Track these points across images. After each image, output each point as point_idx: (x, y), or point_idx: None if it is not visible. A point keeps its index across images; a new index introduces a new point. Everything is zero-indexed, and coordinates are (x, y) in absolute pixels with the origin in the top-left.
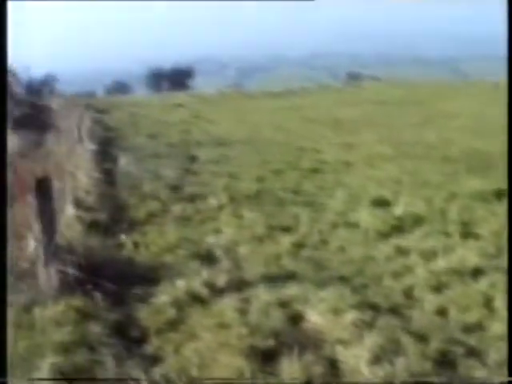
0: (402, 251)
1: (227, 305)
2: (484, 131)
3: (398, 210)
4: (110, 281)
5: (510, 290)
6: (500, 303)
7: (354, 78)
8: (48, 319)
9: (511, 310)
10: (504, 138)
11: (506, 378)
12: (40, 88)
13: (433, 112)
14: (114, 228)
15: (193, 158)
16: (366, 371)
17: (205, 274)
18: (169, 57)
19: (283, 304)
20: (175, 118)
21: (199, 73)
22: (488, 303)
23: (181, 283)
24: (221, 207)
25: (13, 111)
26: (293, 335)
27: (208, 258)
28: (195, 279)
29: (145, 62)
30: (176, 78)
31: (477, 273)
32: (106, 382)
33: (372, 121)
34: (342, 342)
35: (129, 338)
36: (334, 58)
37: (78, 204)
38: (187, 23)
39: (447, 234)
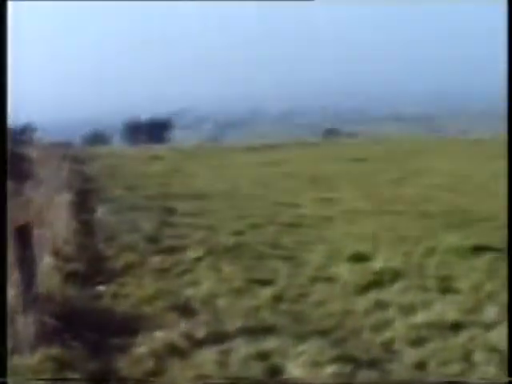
0: (381, 305)
1: (206, 357)
2: (461, 188)
3: (377, 264)
4: (89, 331)
5: (510, 290)
6: (479, 357)
7: (332, 134)
8: (26, 368)
9: (511, 310)
10: (483, 195)
11: (506, 378)
12: (19, 137)
13: (410, 169)
14: (92, 279)
15: (171, 211)
16: None
17: (183, 325)
18: (147, 109)
19: (262, 357)
20: (153, 171)
21: (177, 126)
22: (467, 357)
23: (159, 334)
24: (199, 260)
25: None
26: None
27: (186, 310)
28: (174, 331)
29: (122, 114)
30: (153, 131)
31: (456, 327)
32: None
33: (350, 177)
34: None
35: None
36: (313, 114)
37: (57, 254)
38: (166, 76)
39: (426, 289)
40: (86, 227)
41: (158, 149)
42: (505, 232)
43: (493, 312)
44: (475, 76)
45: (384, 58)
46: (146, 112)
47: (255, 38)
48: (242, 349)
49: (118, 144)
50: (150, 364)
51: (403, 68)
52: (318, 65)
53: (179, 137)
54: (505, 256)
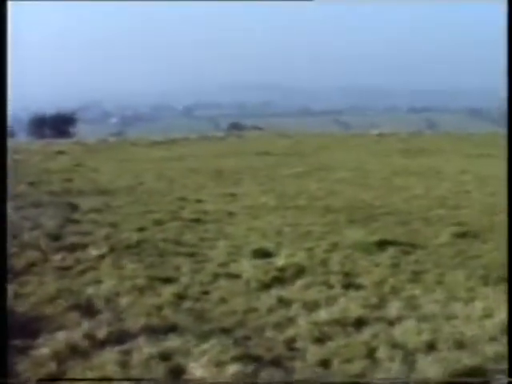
0: (284, 302)
1: (108, 357)
2: (365, 182)
3: (280, 260)
4: None
5: (509, 290)
6: (383, 354)
7: (236, 128)
8: None
9: (511, 309)
10: (386, 189)
11: (506, 378)
12: None
13: (315, 163)
14: None
15: (74, 207)
16: None
17: (85, 325)
18: (52, 103)
19: (165, 356)
20: (57, 166)
21: (82, 120)
22: (371, 354)
23: (61, 335)
24: (101, 257)
25: None
26: None
27: (88, 310)
28: (75, 331)
29: (27, 108)
30: (58, 125)
31: (359, 323)
32: (107, 382)
33: (254, 171)
34: None
35: None
36: (217, 109)
37: None
38: (71, 70)
39: (329, 285)
40: None
41: (62, 143)
42: (408, 227)
43: (396, 308)
44: (383, 72)
45: (292, 53)
46: (51, 106)
47: (158, 31)
48: (144, 348)
49: (22, 139)
50: (51, 366)
51: (312, 63)
52: (224, 58)
53: (84, 131)
54: (408, 250)
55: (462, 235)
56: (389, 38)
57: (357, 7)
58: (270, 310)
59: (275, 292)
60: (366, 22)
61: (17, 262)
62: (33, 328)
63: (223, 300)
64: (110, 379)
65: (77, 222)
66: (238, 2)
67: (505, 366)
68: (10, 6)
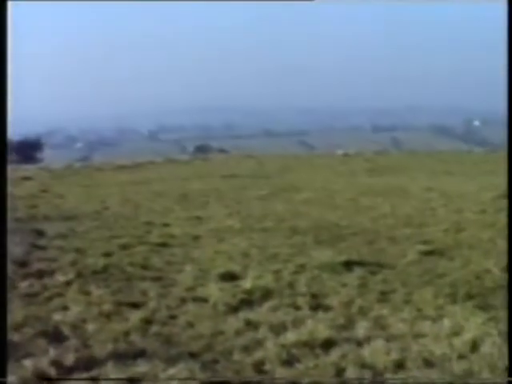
0: (251, 325)
1: None
2: (331, 203)
3: (247, 283)
4: None
5: (509, 290)
6: (352, 374)
7: (201, 150)
8: None
9: (511, 309)
10: (351, 209)
11: (506, 378)
12: None
13: (280, 185)
14: None
15: (40, 233)
16: None
17: (52, 352)
18: (17, 129)
19: (132, 382)
20: (23, 192)
21: (48, 146)
22: (340, 375)
23: (28, 363)
24: (68, 283)
25: None
26: None
27: (55, 337)
28: (43, 358)
29: None
30: (24, 151)
31: (328, 344)
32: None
33: (220, 194)
34: None
35: None
36: (182, 131)
37: None
38: (35, 96)
39: (296, 307)
40: None
41: (27, 169)
42: (374, 246)
43: (364, 328)
44: (348, 91)
45: (254, 72)
46: (16, 132)
47: (120, 54)
48: (111, 374)
49: None
50: None
51: (274, 83)
52: (186, 81)
53: (50, 157)
54: (376, 270)
55: (429, 253)
56: (350, 54)
57: (315, 22)
58: (238, 333)
59: (243, 315)
60: (326, 39)
61: None
62: None
63: (191, 324)
64: (110, 379)
65: (43, 248)
66: (196, 25)
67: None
68: (9, 5)
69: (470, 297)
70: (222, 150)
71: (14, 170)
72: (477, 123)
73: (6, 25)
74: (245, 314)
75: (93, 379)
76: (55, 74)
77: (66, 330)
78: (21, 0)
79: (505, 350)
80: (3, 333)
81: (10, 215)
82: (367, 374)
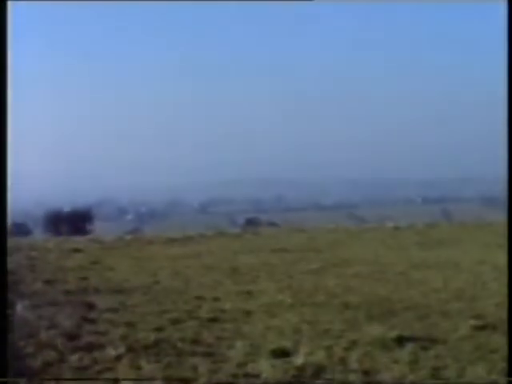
0: None
1: None
2: (382, 277)
3: (299, 359)
4: None
5: (509, 289)
6: None
7: (252, 223)
8: None
9: (511, 310)
10: (403, 283)
11: (506, 378)
12: None
13: (331, 259)
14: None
15: (90, 306)
16: None
17: None
18: (68, 199)
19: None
20: (73, 264)
21: (98, 217)
22: None
23: None
24: (118, 357)
25: None
26: None
27: None
28: None
29: (43, 204)
30: (75, 222)
31: None
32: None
33: (271, 268)
34: None
35: None
36: (232, 204)
37: None
38: (86, 166)
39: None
40: (4, 323)
41: (78, 241)
42: (426, 321)
43: None
44: (395, 163)
45: (302, 146)
46: (67, 203)
47: (169, 130)
48: None
49: (39, 236)
50: None
51: (323, 155)
52: (236, 153)
53: (101, 228)
54: (427, 345)
55: (481, 328)
56: (397, 129)
57: (364, 98)
58: None
59: None
60: (373, 112)
61: (33, 362)
62: None
63: None
64: (111, 379)
65: (93, 321)
66: (244, 95)
67: None
68: (9, 5)
69: None
70: (272, 223)
71: (64, 242)
72: None
73: (6, 25)
74: None
75: (93, 379)
76: (107, 143)
77: None
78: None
79: None
80: (3, 333)
81: (60, 287)
82: None
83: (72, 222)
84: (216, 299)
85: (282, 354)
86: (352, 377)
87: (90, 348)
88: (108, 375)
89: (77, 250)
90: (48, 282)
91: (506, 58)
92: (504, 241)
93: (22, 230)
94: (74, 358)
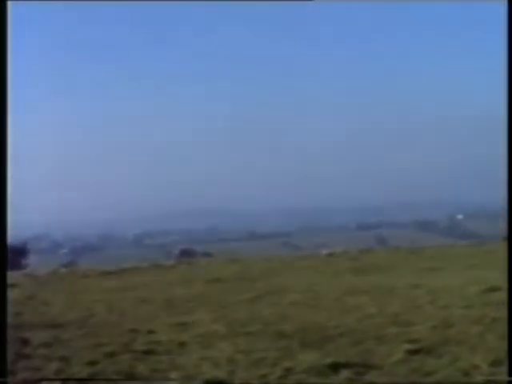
0: None
1: None
2: (317, 304)
3: None
4: None
5: (510, 289)
6: None
7: (187, 254)
8: None
9: (511, 309)
10: (337, 310)
11: (506, 378)
12: None
13: (266, 287)
14: None
15: (25, 342)
16: None
17: None
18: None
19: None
20: (8, 299)
21: (33, 251)
22: None
23: None
24: (90, 379)
25: None
26: None
27: None
28: None
29: None
30: (10, 257)
31: None
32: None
33: (205, 299)
34: None
35: None
36: (166, 236)
37: None
38: (20, 200)
39: None
40: None
41: (13, 276)
42: (361, 347)
43: None
44: (329, 191)
45: (236, 175)
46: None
47: (100, 166)
48: None
49: None
50: None
51: (257, 185)
52: (167, 186)
53: (36, 262)
54: (362, 371)
55: (416, 352)
56: (331, 155)
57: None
58: None
59: None
60: (304, 138)
61: None
62: None
63: None
64: (110, 379)
65: (28, 356)
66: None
67: None
68: (9, 5)
69: None
70: (206, 254)
71: None
72: (460, 217)
73: (6, 25)
74: None
75: (92, 379)
76: (41, 179)
77: None
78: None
79: None
80: (3, 333)
81: None
82: None
83: (7, 256)
84: (151, 331)
85: None
86: None
87: None
88: None
89: (12, 286)
90: None
91: (506, 57)
92: (437, 264)
93: None
94: None
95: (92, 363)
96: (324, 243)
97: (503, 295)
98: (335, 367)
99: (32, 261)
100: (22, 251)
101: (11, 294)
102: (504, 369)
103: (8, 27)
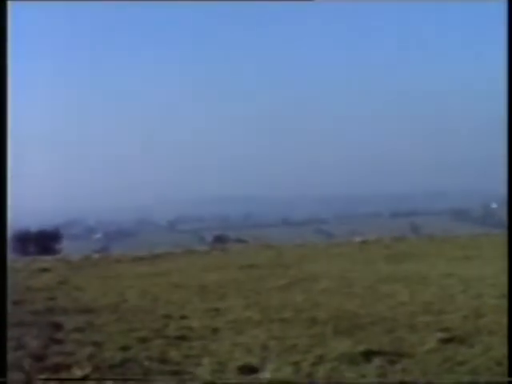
0: None
1: None
2: (349, 292)
3: (266, 376)
4: None
5: (510, 289)
6: None
7: (220, 240)
8: None
9: (511, 309)
10: (370, 298)
11: (506, 378)
12: None
13: (299, 274)
14: None
15: (57, 326)
16: None
17: None
18: (35, 220)
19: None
20: (40, 284)
21: (66, 236)
22: None
23: None
24: (85, 377)
25: None
26: None
27: None
28: None
29: (10, 225)
30: (43, 242)
31: None
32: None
33: (238, 285)
34: None
35: None
36: (200, 222)
37: None
38: (54, 187)
39: None
40: None
41: (46, 260)
42: (393, 335)
43: None
44: (363, 178)
45: (270, 162)
46: (35, 223)
47: (137, 148)
48: None
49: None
50: None
51: (291, 172)
52: (200, 172)
53: (69, 248)
54: (395, 359)
55: (448, 341)
56: (367, 143)
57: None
58: None
59: None
60: (340, 126)
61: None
62: None
63: None
64: (110, 379)
65: (60, 341)
66: (210, 117)
67: None
68: (9, 5)
69: None
70: (240, 240)
71: (31, 262)
72: (494, 205)
73: (6, 25)
74: None
75: (92, 379)
76: (75, 166)
77: None
78: (21, 0)
79: None
80: (3, 333)
81: (27, 308)
82: None
83: (40, 241)
84: (183, 317)
85: (249, 370)
86: None
87: (56, 369)
88: None
89: (44, 270)
90: (15, 302)
91: (506, 58)
92: (471, 253)
93: None
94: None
95: (124, 348)
96: (357, 230)
97: None
98: (367, 355)
99: (65, 246)
100: (55, 236)
101: (44, 279)
102: None
103: (8, 27)
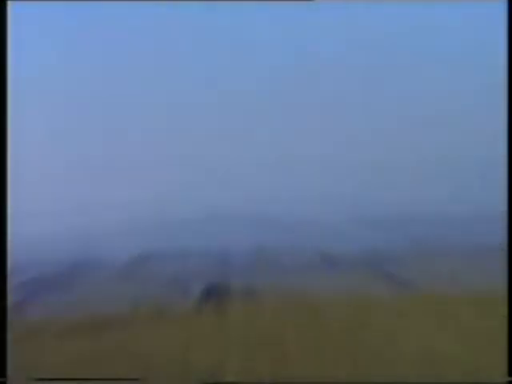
0: None
1: None
2: None
3: None
4: None
5: (509, 290)
6: None
7: (214, 293)
8: None
9: (511, 309)
10: None
11: (506, 378)
12: None
13: None
14: None
15: None
16: None
17: None
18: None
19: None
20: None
21: None
22: None
23: None
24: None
25: None
26: None
27: None
28: None
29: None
30: None
31: None
32: (104, 382)
33: None
34: None
35: None
36: (183, 257)
37: None
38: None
39: None
40: None
41: None
42: None
43: None
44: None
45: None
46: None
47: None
48: None
49: None
50: None
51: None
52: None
53: None
54: None
55: None
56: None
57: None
58: None
59: None
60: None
61: None
62: None
63: None
64: (109, 379)
65: None
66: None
67: None
68: (9, 5)
69: None
70: (249, 291)
71: None
72: None
73: (6, 25)
74: None
75: (91, 379)
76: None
77: None
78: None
79: None
80: (3, 333)
81: None
82: None
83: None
84: None
85: None
86: None
87: None
88: None
89: None
90: None
91: (505, 58)
92: None
93: None
94: None
95: None
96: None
97: None
98: None
99: None
100: None
101: None
102: None
103: (8, 27)
